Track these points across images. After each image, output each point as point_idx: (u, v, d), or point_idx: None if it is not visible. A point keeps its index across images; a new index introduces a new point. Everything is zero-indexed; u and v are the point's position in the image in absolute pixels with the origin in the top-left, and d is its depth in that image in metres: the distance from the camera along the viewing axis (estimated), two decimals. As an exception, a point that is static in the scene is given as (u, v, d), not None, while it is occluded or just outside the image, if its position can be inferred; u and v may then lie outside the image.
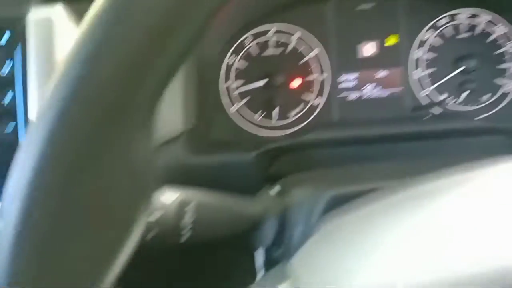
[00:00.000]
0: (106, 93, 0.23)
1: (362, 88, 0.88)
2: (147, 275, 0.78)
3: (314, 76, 0.88)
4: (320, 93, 0.88)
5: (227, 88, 0.87)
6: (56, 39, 0.64)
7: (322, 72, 0.88)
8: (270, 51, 0.87)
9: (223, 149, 0.72)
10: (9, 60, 0.65)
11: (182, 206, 0.42)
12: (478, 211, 0.29)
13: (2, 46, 0.66)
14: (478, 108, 0.88)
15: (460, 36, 0.87)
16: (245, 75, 0.87)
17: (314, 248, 0.35)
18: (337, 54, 0.87)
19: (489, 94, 0.87)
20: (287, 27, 0.87)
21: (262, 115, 0.88)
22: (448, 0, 0.87)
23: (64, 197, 0.23)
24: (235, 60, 0.87)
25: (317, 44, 0.87)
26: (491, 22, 0.87)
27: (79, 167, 0.23)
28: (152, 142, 0.26)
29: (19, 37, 0.65)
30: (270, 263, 0.57)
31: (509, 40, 0.87)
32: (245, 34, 0.87)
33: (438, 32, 0.87)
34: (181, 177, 0.66)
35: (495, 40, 0.87)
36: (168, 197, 0.42)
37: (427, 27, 0.87)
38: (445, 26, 0.87)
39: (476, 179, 0.34)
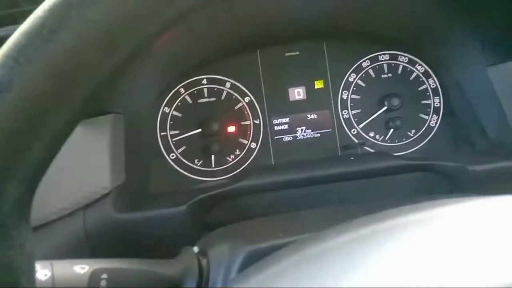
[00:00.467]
0: None
1: (295, 131, 0.92)
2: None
3: (249, 121, 0.91)
4: (255, 137, 0.91)
5: (165, 137, 0.89)
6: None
7: (255, 117, 0.91)
8: (204, 99, 0.90)
9: (157, 202, 0.73)
10: None
11: (96, 274, 0.42)
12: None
13: None
14: (405, 143, 0.93)
15: (384, 76, 0.93)
16: (181, 124, 0.89)
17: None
18: (269, 100, 0.91)
19: (415, 130, 0.93)
20: (218, 79, 0.90)
21: (201, 162, 0.89)
22: (369, 43, 0.92)
23: None
24: (171, 108, 0.89)
25: (247, 92, 0.91)
26: (410, 62, 0.93)
27: None
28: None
29: None
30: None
31: (430, 77, 0.93)
32: (179, 84, 0.89)
33: (362, 74, 0.92)
34: (113, 232, 0.66)
35: (417, 77, 0.93)
36: (81, 267, 0.42)
37: (351, 69, 0.92)
38: (368, 67, 0.93)
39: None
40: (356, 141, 0.91)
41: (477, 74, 0.81)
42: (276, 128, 0.91)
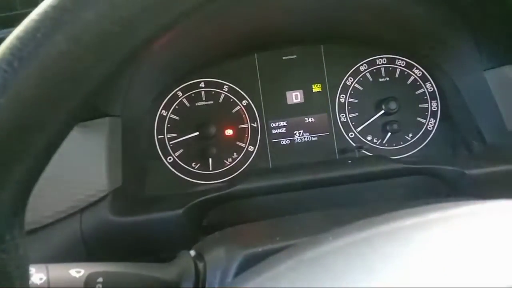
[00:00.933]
0: None
1: (293, 134, 0.92)
2: None
3: (246, 125, 0.91)
4: (253, 140, 0.91)
5: (162, 140, 0.89)
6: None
7: (253, 120, 0.91)
8: (202, 103, 0.90)
9: (154, 205, 0.72)
10: None
11: (92, 278, 0.42)
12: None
13: None
14: (403, 147, 0.93)
15: (381, 80, 0.93)
16: (179, 127, 0.89)
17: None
18: (267, 103, 0.91)
19: (412, 133, 0.93)
20: (215, 82, 0.90)
21: (198, 165, 0.89)
22: (367, 47, 0.92)
23: None
24: (169, 111, 0.89)
25: (245, 95, 0.91)
26: (408, 66, 0.93)
27: None
28: None
29: None
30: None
31: (428, 81, 0.93)
32: (177, 87, 0.89)
33: (360, 77, 0.93)
34: (109, 235, 0.66)
35: (415, 80, 0.93)
36: (77, 271, 0.42)
37: (349, 73, 0.92)
38: (366, 71, 0.93)
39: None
40: (354, 145, 0.91)
41: (474, 78, 0.81)
42: (273, 131, 0.91)
